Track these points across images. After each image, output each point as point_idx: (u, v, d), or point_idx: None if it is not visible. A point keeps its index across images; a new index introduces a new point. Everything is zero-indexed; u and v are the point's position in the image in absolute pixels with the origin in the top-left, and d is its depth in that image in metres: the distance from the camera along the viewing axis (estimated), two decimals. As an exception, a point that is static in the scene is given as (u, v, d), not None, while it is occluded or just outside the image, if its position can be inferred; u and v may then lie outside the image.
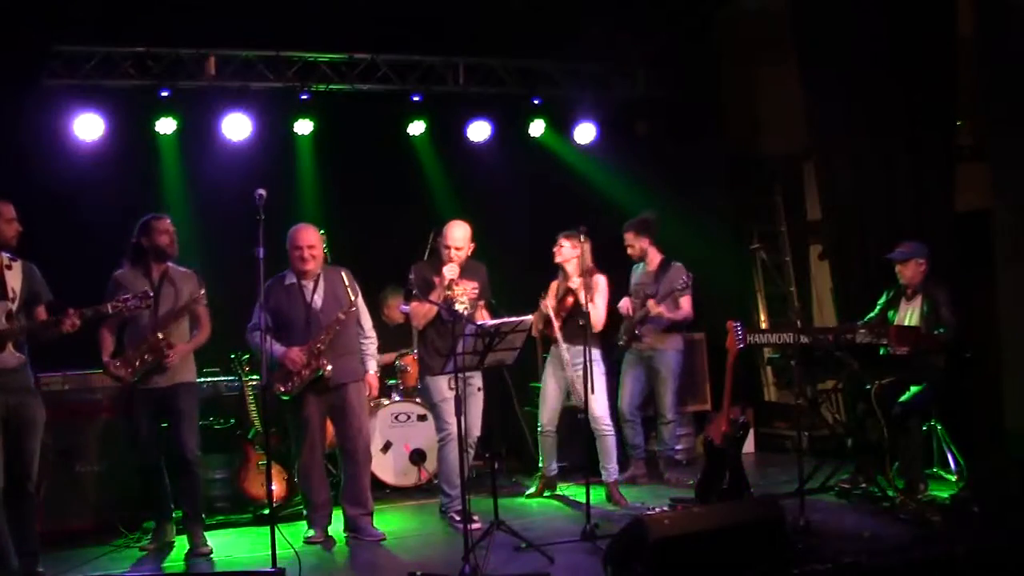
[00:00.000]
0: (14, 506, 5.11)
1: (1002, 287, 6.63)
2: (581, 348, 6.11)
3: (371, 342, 6.16)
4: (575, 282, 6.52)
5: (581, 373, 6.12)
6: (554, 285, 6.75)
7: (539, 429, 6.93)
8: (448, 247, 6.14)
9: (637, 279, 7.31)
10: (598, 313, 6.58)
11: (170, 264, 5.84)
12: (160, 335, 5.65)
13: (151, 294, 5.33)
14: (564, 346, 6.57)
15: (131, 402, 5.80)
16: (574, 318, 6.51)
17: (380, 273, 7.60)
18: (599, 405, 6.60)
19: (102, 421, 6.48)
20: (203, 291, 5.84)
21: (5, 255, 5.17)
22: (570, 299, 6.59)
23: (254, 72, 7.84)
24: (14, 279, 5.17)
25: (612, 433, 6.71)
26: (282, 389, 5.81)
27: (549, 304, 6.65)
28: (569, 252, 6.65)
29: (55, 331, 5.08)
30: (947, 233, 7.18)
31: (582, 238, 6.35)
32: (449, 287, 6.04)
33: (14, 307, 5.11)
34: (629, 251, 7.24)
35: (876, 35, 7.37)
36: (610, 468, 6.70)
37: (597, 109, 8.69)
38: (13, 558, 5.12)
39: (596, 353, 6.63)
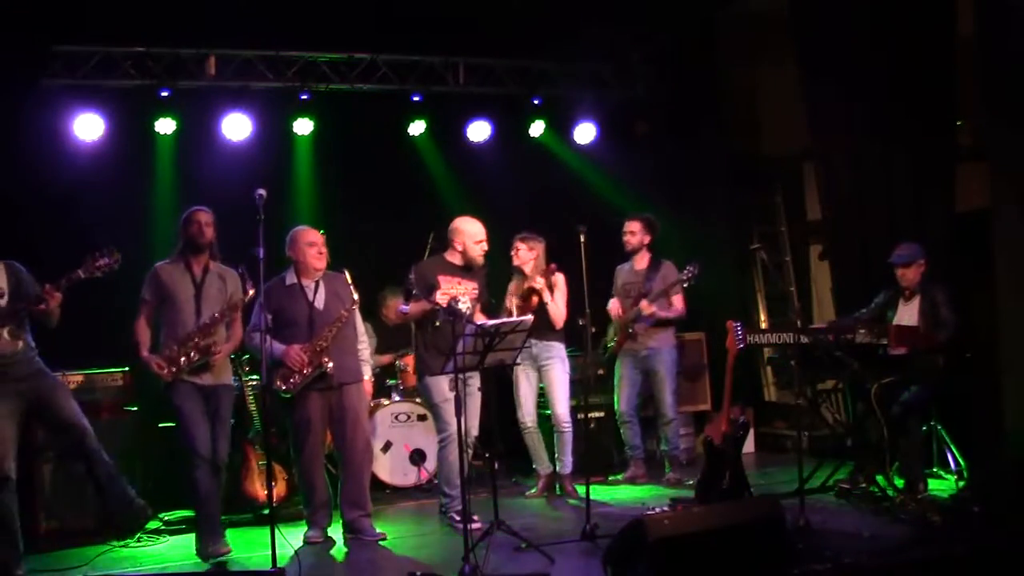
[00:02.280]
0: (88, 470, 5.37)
1: (1002, 287, 6.62)
2: (548, 343, 6.68)
3: (365, 346, 6.17)
4: (539, 282, 6.64)
5: (550, 368, 6.70)
6: (512, 286, 6.86)
7: (522, 428, 6.97)
8: (479, 242, 6.17)
9: (625, 278, 7.31)
10: (560, 310, 6.72)
11: (212, 262, 5.77)
12: (207, 334, 5.58)
13: (116, 253, 5.27)
14: (532, 342, 6.62)
15: (171, 395, 5.61)
16: (539, 316, 6.63)
17: (380, 273, 7.60)
18: (561, 403, 6.73)
19: (102, 421, 6.47)
20: (252, 291, 5.69)
21: None
22: (535, 299, 6.70)
23: (254, 72, 7.84)
24: None
25: (571, 429, 6.78)
26: (283, 387, 5.80)
27: (513, 303, 6.74)
28: (526, 255, 6.78)
29: (44, 309, 5.17)
30: (947, 233, 7.18)
31: (538, 240, 6.80)
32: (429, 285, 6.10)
33: (3, 301, 5.20)
34: (629, 238, 7.22)
35: (876, 35, 7.37)
36: (565, 460, 6.79)
37: (597, 109, 8.70)
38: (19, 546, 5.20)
39: (561, 350, 6.79)
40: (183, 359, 5.54)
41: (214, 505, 5.66)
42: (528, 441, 6.99)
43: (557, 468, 6.87)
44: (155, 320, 5.75)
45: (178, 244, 5.76)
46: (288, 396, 5.85)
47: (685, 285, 7.05)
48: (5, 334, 5.15)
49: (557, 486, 6.96)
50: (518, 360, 6.23)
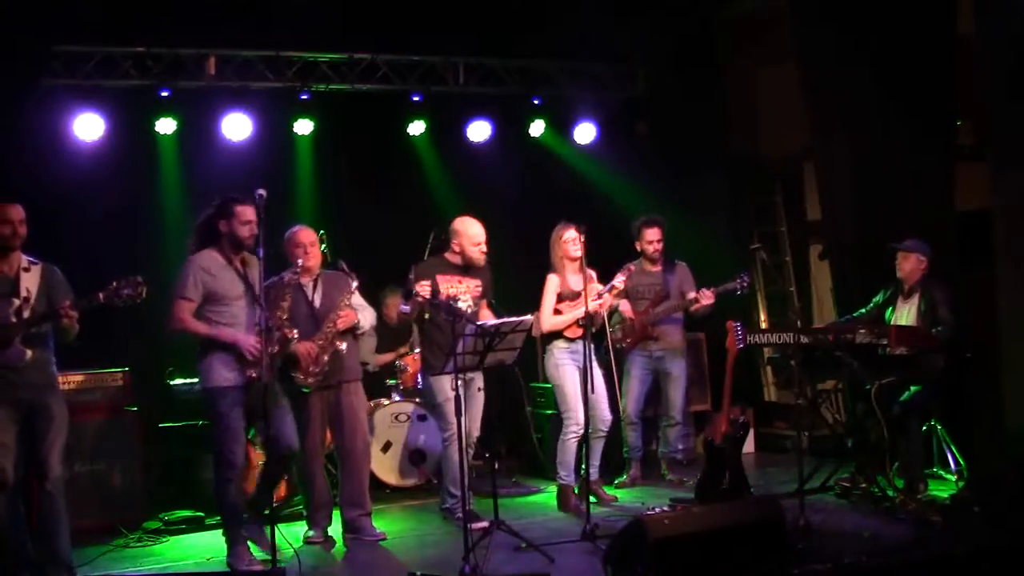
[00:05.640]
0: (39, 508, 5.09)
1: (1002, 287, 6.63)
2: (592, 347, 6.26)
3: (366, 318, 6.05)
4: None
5: (599, 373, 6.33)
6: (562, 281, 6.53)
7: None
8: (477, 244, 6.11)
9: (637, 279, 7.19)
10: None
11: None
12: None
13: (142, 286, 4.98)
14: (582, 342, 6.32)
15: (216, 401, 5.36)
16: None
17: (380, 273, 7.60)
18: (607, 407, 6.56)
19: (102, 421, 6.48)
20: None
21: (25, 258, 5.11)
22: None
23: (254, 72, 7.84)
24: (30, 281, 5.08)
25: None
26: (307, 380, 5.69)
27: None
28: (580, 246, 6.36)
29: (57, 322, 5.00)
30: (947, 233, 7.18)
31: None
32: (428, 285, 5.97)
33: (26, 306, 5.01)
34: (657, 246, 7.09)
35: (876, 35, 7.37)
36: (596, 466, 6.63)
37: (597, 109, 8.70)
38: (28, 550, 5.11)
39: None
40: (265, 358, 5.29)
41: (240, 516, 5.49)
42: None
43: (589, 475, 6.53)
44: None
45: (208, 228, 5.43)
46: (308, 391, 5.77)
47: (738, 293, 7.03)
48: (18, 342, 4.95)
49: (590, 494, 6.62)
50: (572, 359, 6.33)
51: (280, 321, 5.52)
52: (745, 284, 7.01)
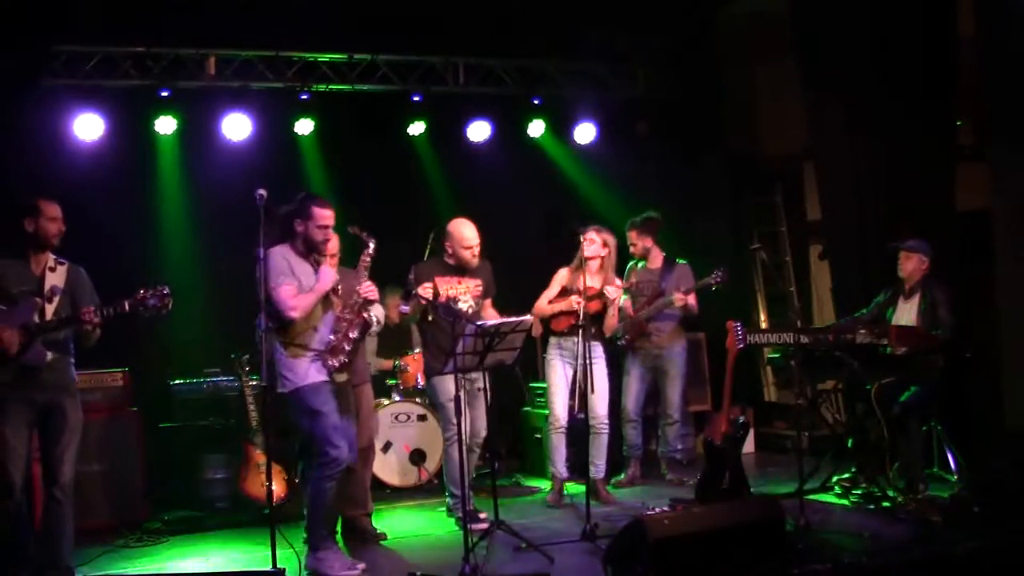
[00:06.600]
0: (45, 511, 5.06)
1: (1002, 287, 6.64)
2: (594, 343, 6.33)
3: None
4: (612, 292, 6.41)
5: (594, 367, 6.28)
6: (567, 276, 6.57)
7: (552, 426, 6.90)
8: (468, 248, 6.09)
9: (638, 277, 7.28)
10: (615, 322, 6.62)
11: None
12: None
13: (168, 299, 4.87)
14: (577, 340, 6.38)
15: (311, 398, 5.20)
16: (595, 319, 6.45)
17: (380, 273, 7.57)
18: (603, 403, 6.57)
19: (102, 421, 6.48)
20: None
21: (52, 257, 5.07)
22: (599, 303, 6.45)
23: (254, 72, 7.83)
24: (56, 280, 5.03)
25: (608, 431, 6.65)
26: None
27: (577, 301, 6.42)
28: (599, 249, 6.49)
29: (79, 328, 4.94)
30: (948, 233, 7.18)
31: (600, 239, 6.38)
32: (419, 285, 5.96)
33: (50, 306, 4.96)
34: (632, 249, 7.23)
35: (876, 35, 7.37)
36: (599, 465, 6.64)
37: (597, 109, 8.69)
38: (30, 550, 5.06)
39: (602, 350, 6.64)
40: (347, 344, 5.24)
41: (329, 519, 5.36)
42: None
43: (591, 473, 6.50)
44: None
45: (288, 225, 5.26)
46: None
47: (713, 288, 7.02)
48: (39, 343, 4.88)
49: (593, 491, 6.53)
50: (559, 354, 6.36)
51: (357, 305, 5.37)
52: (719, 279, 6.98)
